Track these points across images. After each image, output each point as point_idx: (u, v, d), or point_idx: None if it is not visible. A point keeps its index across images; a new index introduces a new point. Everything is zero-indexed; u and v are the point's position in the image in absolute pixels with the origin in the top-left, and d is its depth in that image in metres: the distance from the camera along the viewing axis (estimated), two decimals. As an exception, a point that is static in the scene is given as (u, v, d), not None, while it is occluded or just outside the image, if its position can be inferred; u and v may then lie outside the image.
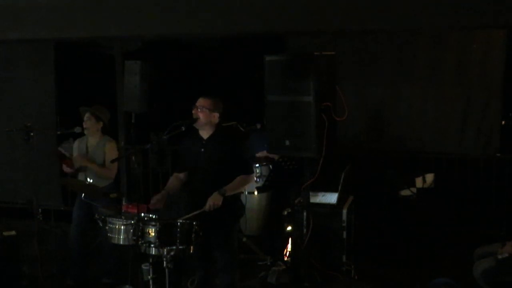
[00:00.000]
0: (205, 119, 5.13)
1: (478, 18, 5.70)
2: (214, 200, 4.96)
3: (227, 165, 5.11)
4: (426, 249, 7.11)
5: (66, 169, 6.24)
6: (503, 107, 7.56)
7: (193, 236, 4.79)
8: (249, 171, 5.31)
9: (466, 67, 7.60)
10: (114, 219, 4.94)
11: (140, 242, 4.77)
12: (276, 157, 6.26)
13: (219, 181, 5.08)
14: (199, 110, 5.13)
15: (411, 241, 7.27)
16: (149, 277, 4.96)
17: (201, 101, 5.15)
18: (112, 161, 5.92)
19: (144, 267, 5.71)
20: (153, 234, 4.73)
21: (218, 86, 8.65)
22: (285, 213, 5.95)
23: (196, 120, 5.12)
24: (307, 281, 5.47)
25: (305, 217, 5.44)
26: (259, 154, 6.75)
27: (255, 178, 6.47)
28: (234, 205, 5.28)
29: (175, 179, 5.40)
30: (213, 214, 4.98)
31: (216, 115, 5.18)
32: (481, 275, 5.13)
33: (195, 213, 4.95)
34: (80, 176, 6.19)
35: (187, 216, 4.93)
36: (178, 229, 4.72)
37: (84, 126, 6.19)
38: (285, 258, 6.26)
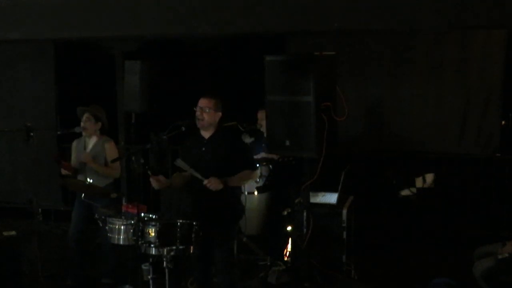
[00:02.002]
0: (209, 119, 5.06)
1: (478, 18, 5.70)
2: (215, 183, 4.89)
3: (229, 163, 5.06)
4: (426, 249, 7.10)
5: (64, 172, 6.24)
6: (503, 107, 7.56)
7: (193, 236, 4.78)
8: (254, 167, 5.27)
9: (466, 67, 7.59)
10: (114, 219, 4.95)
11: (140, 242, 4.77)
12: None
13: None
14: (203, 111, 5.05)
15: (411, 241, 7.27)
16: (149, 277, 4.96)
17: (204, 102, 5.05)
18: (113, 161, 5.92)
19: (144, 267, 5.71)
20: (153, 234, 4.72)
21: (218, 86, 8.64)
22: (285, 213, 5.96)
23: (195, 120, 5.09)
24: (307, 281, 5.48)
25: (305, 217, 5.45)
26: (256, 156, 6.74)
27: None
28: (234, 206, 5.24)
29: (179, 175, 5.31)
30: (213, 214, 4.97)
31: (219, 114, 5.12)
32: (481, 275, 5.13)
33: (195, 173, 4.93)
34: (80, 176, 6.19)
35: (190, 170, 4.90)
36: (178, 229, 4.72)
37: (83, 126, 6.15)
38: (285, 258, 6.26)
